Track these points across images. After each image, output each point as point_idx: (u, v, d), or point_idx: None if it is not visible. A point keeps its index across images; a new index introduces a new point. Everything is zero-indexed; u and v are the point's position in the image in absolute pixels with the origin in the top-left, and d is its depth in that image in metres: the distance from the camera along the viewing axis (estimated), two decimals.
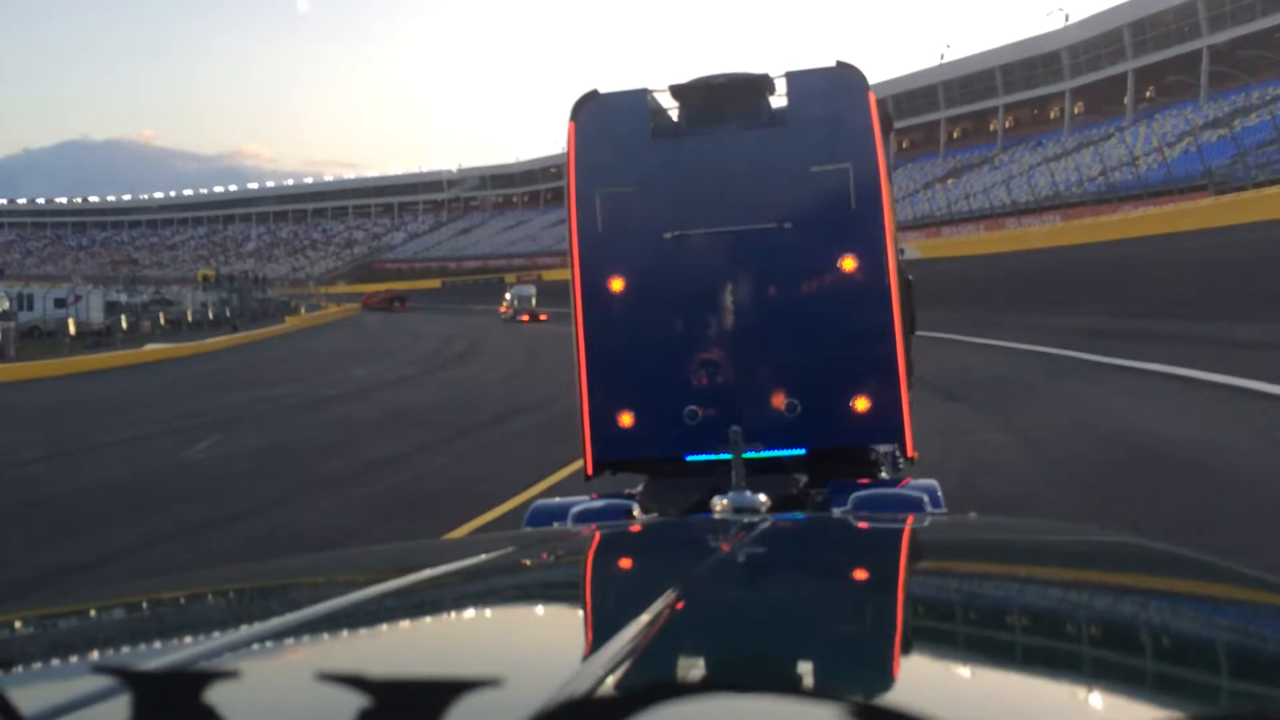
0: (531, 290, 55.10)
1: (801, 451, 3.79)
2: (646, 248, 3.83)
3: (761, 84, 3.92)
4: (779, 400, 3.74)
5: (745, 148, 3.87)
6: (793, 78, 3.87)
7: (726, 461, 2.95)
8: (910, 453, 3.84)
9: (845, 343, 3.74)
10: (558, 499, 3.55)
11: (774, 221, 3.73)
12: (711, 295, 3.79)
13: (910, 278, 3.99)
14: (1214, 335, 16.03)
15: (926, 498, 2.99)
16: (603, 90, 4.03)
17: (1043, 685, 0.88)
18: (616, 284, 3.81)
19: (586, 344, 3.86)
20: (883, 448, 4.05)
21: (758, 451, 3.53)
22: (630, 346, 3.87)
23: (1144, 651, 1.03)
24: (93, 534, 7.88)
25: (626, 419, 3.82)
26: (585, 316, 3.85)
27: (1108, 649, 1.03)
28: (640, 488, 3.85)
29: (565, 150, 3.95)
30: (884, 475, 3.98)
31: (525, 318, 50.48)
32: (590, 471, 3.92)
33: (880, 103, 3.90)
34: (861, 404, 3.70)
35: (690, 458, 3.77)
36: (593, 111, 3.94)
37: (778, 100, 3.92)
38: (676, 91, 3.98)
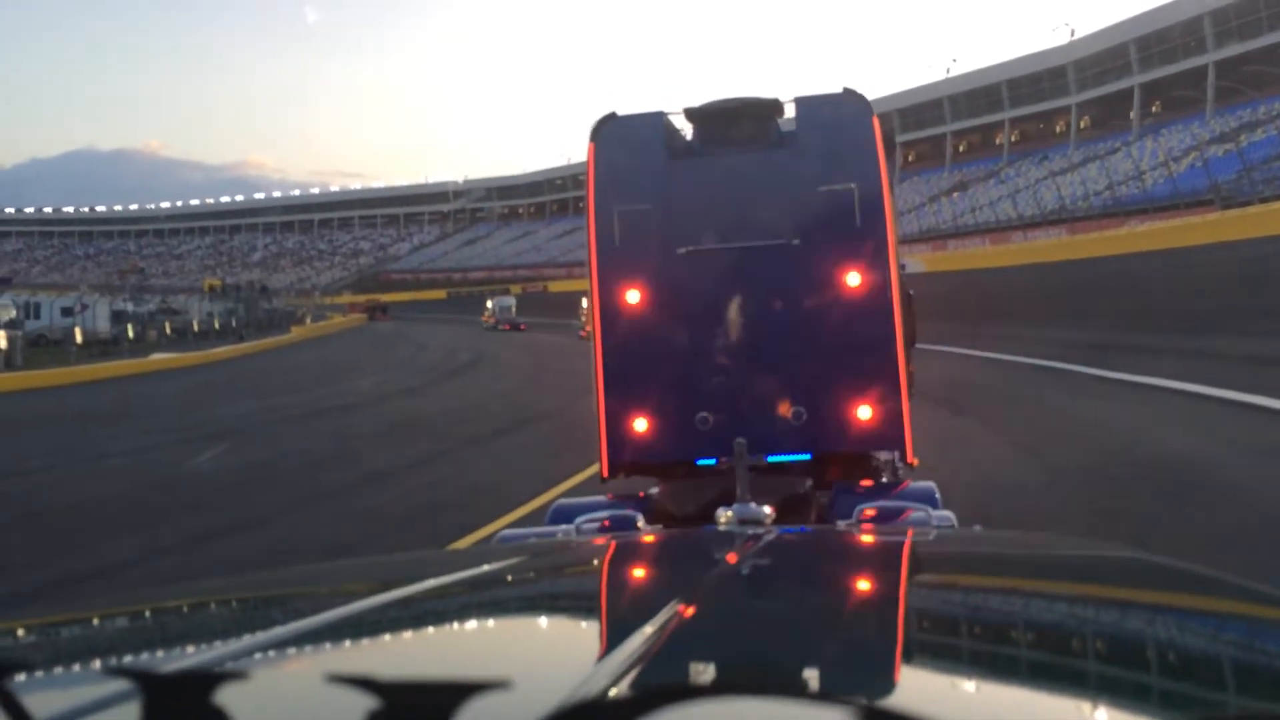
0: (511, 301, 58.44)
1: (807, 457, 3.90)
2: (662, 262, 3.95)
3: (771, 108, 4.06)
4: (786, 408, 3.85)
5: (756, 168, 4.01)
6: (801, 102, 4.04)
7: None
8: (910, 459, 3.93)
9: (849, 354, 3.87)
10: (578, 499, 3.71)
11: (783, 238, 3.86)
12: (723, 307, 3.91)
13: (911, 292, 4.11)
14: (1221, 350, 16.01)
15: (929, 510, 3.04)
16: (620, 112, 4.16)
17: (1046, 699, 0.89)
18: (633, 296, 3.94)
19: (604, 352, 4.00)
20: (883, 455, 4.16)
21: (766, 456, 3.72)
22: (645, 355, 4.00)
23: (1148, 666, 1.03)
24: (97, 544, 7.89)
25: (641, 424, 3.94)
26: (603, 326, 4.00)
27: (1111, 663, 1.04)
28: (655, 490, 3.96)
29: (583, 167, 4.09)
30: (885, 479, 4.09)
31: (506, 327, 53.15)
32: (605, 474, 4.03)
33: (881, 120, 3.99)
34: (864, 412, 3.83)
35: (701, 462, 3.88)
36: (611, 132, 4.09)
37: (787, 123, 4.06)
38: (691, 114, 4.11)
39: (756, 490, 3.39)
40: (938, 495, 3.48)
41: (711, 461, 3.81)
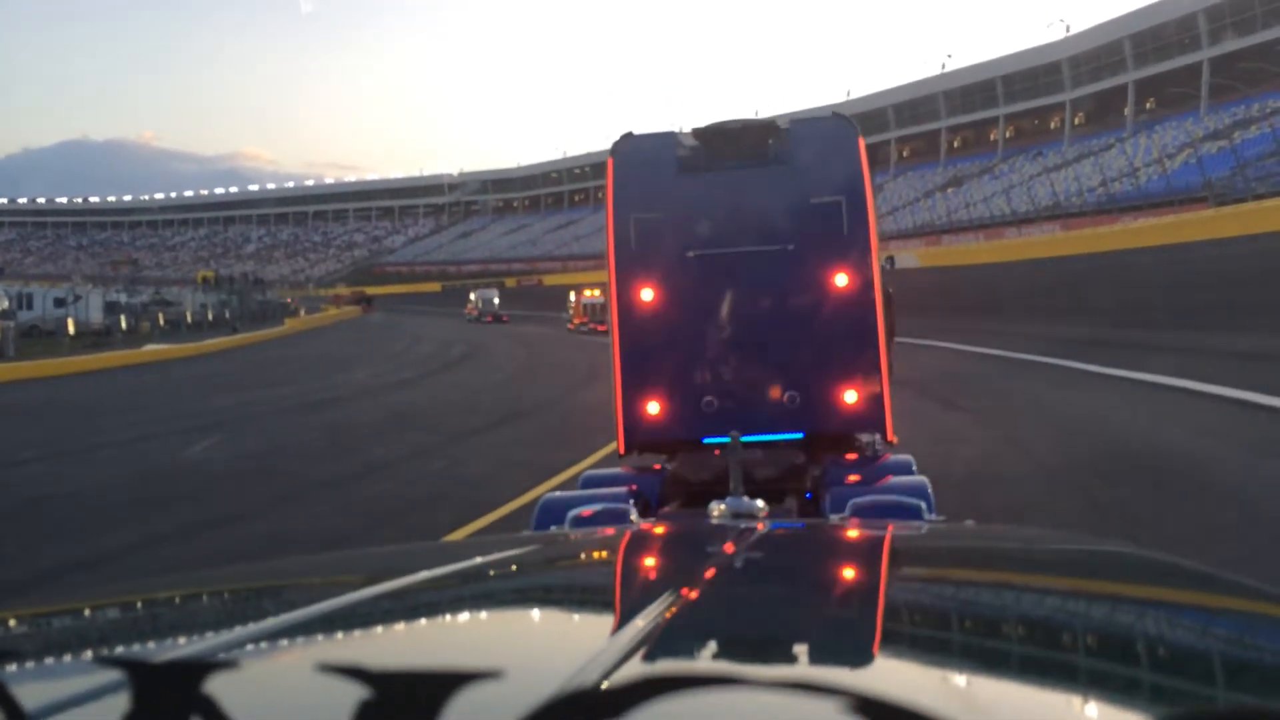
0: (494, 294, 61.55)
1: (800, 435, 4.35)
2: (673, 264, 4.41)
3: (770, 129, 4.56)
4: (781, 393, 4.32)
5: (756, 182, 4.47)
6: (796, 124, 4.60)
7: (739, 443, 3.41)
8: (890, 437, 4.40)
9: (837, 345, 4.35)
10: (605, 470, 4.33)
11: (779, 244, 4.33)
12: (726, 304, 4.36)
13: (891, 290, 4.53)
14: (1214, 346, 16.07)
15: (923, 507, 3.24)
16: (630, 123, 4.84)
17: (1037, 692, 0.89)
18: (647, 294, 4.40)
19: (621, 343, 4.43)
20: (865, 437, 4.59)
21: (763, 434, 4.22)
22: (658, 346, 4.44)
23: (1138, 660, 1.04)
24: (90, 534, 7.88)
25: (654, 407, 4.41)
26: (620, 320, 4.43)
27: (1102, 657, 1.04)
28: (674, 463, 4.41)
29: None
30: (868, 454, 4.53)
31: (490, 319, 55.60)
32: (622, 451, 4.49)
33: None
34: (850, 397, 4.31)
35: (706, 440, 4.29)
36: (629, 149, 4.60)
37: (783, 142, 4.52)
38: (699, 133, 4.59)
39: (760, 462, 4.01)
40: (914, 466, 4.02)
41: (716, 440, 4.18)
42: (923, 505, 3.29)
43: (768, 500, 3.84)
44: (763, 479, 3.96)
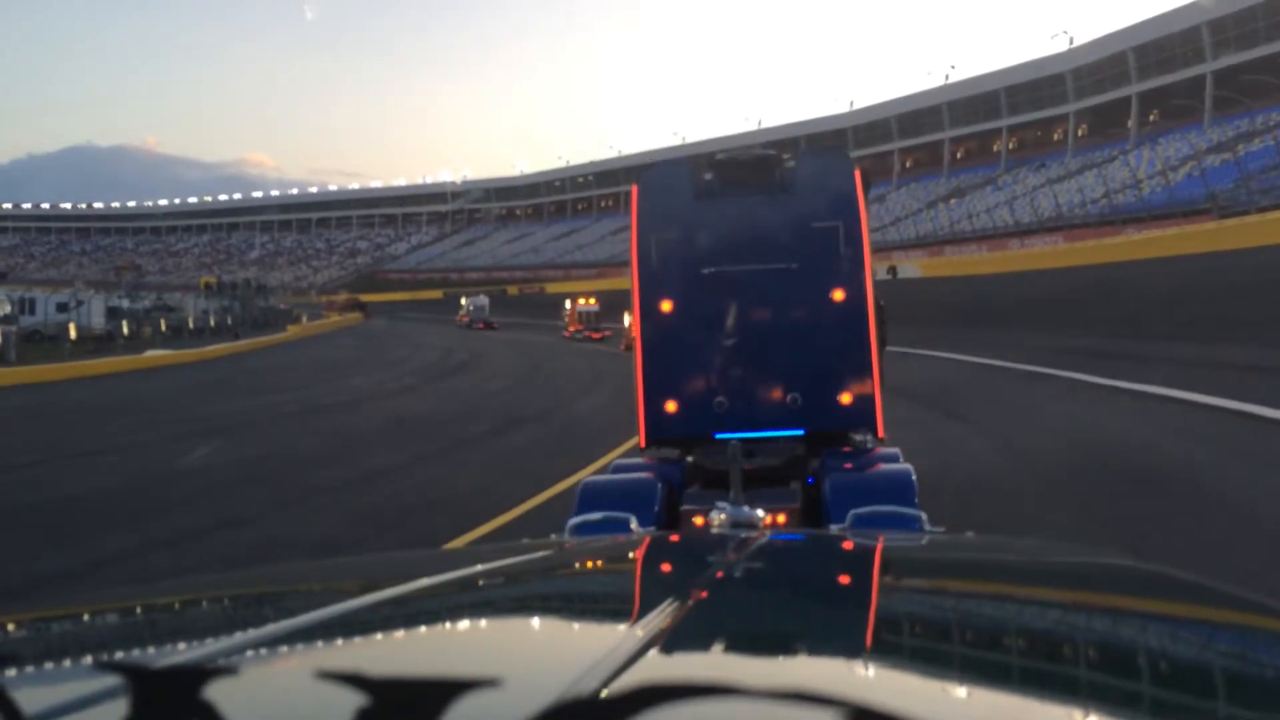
0: (485, 301, 63.35)
1: (800, 432, 4.80)
2: (689, 280, 4.87)
3: (777, 160, 5.05)
4: (784, 394, 4.78)
5: (764, 208, 4.94)
6: (800, 156, 5.17)
7: (748, 439, 3.74)
8: (880, 434, 4.84)
9: (834, 353, 4.81)
10: (631, 459, 4.86)
11: (784, 263, 4.81)
12: (737, 316, 4.82)
13: (882, 303, 4.97)
14: (1216, 358, 16.05)
15: (923, 518, 3.42)
16: (660, 162, 5.37)
17: (1036, 705, 0.89)
18: (666, 306, 4.88)
19: (643, 350, 4.89)
20: (857, 436, 5.03)
21: (769, 431, 4.75)
22: (676, 352, 4.91)
23: (1139, 674, 1.03)
24: (88, 539, 7.88)
25: (671, 406, 4.87)
26: (642, 329, 4.89)
27: (1102, 670, 1.04)
28: (694, 454, 4.85)
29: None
30: (861, 449, 4.96)
31: (481, 325, 56.46)
32: (643, 444, 4.94)
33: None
34: (845, 398, 4.79)
35: (718, 436, 4.69)
36: (651, 177, 5.18)
37: (787, 172, 4.99)
38: (713, 164, 5.10)
39: (767, 450, 4.61)
40: (900, 455, 4.58)
41: (727, 435, 4.58)
42: (922, 516, 3.44)
43: (774, 485, 4.41)
44: (770, 467, 4.54)
